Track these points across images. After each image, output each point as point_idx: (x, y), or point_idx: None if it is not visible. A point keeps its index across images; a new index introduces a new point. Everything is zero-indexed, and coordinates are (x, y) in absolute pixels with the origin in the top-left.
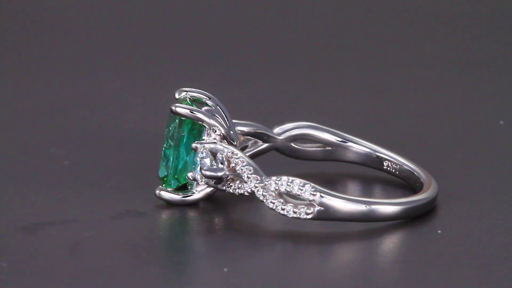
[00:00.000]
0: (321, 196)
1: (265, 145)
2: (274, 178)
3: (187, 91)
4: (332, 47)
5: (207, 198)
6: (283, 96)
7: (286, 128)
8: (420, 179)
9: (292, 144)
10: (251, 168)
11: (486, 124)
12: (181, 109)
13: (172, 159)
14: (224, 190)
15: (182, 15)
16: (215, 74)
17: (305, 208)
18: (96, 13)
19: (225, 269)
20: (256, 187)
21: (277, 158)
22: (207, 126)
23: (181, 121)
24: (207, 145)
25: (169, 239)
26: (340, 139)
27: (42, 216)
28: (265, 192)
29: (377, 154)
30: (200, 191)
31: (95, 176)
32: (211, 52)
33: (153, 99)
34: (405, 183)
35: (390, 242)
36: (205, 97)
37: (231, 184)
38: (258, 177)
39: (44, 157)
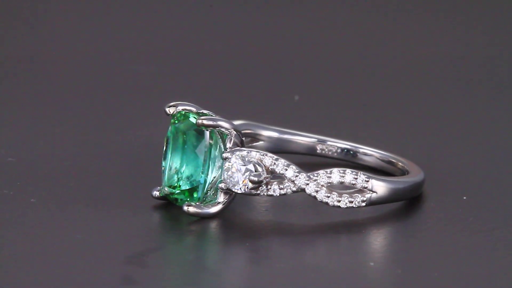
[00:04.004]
0: (375, 182)
1: None
2: (321, 172)
3: (175, 105)
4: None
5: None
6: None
7: None
8: (399, 164)
9: None
10: (294, 166)
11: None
12: (211, 121)
13: (207, 175)
14: (258, 194)
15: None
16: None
17: (360, 196)
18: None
19: (399, 271)
20: (307, 184)
21: None
22: (230, 134)
23: (205, 134)
24: (243, 152)
25: (260, 245)
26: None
27: (122, 250)
28: (318, 187)
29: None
30: (222, 201)
31: (92, 204)
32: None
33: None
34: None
35: (381, 234)
36: (194, 108)
37: (269, 186)
38: (305, 174)
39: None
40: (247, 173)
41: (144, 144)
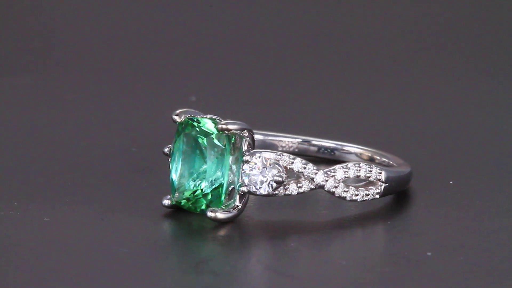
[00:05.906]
0: (387, 173)
1: None
2: (337, 167)
3: (180, 113)
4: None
5: None
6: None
7: None
8: (383, 159)
9: None
10: (310, 164)
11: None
12: (233, 125)
13: (227, 180)
14: (276, 195)
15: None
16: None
17: (374, 188)
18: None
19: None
20: (326, 180)
21: None
22: (245, 136)
23: (220, 138)
24: (262, 154)
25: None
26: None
27: (181, 260)
28: (336, 183)
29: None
30: (239, 204)
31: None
32: None
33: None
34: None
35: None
36: (199, 115)
37: (287, 186)
38: (322, 171)
39: None
40: (270, 175)
41: (143, 149)
